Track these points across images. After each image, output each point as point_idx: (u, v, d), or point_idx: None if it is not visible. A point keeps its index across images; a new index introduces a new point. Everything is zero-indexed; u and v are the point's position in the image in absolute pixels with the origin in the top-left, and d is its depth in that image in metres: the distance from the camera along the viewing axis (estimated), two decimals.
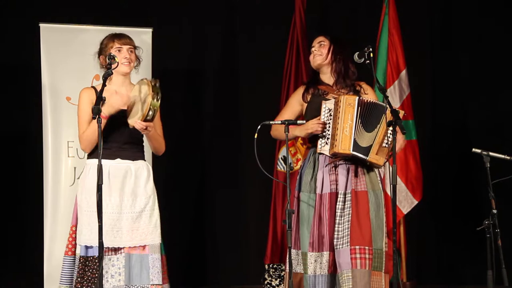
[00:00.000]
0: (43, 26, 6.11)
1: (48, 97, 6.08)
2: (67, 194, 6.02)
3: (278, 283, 6.50)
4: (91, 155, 4.44)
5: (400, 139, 4.54)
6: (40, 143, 6.11)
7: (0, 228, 6.63)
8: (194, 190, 7.13)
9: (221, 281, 7.08)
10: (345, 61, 4.73)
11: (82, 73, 5.96)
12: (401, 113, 4.51)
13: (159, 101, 4.27)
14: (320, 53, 4.77)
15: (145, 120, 4.27)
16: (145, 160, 4.53)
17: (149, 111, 4.25)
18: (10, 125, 6.73)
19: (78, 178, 6.00)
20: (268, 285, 6.53)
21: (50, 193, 6.03)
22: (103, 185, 4.27)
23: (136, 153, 4.47)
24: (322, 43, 4.78)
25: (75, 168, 6.07)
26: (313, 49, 4.82)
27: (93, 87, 4.51)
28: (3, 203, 6.64)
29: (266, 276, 6.55)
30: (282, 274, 6.47)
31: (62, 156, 6.09)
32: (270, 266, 6.56)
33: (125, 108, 4.38)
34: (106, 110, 4.30)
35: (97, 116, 4.05)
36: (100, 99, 4.13)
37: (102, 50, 4.50)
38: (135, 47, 4.51)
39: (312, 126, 4.58)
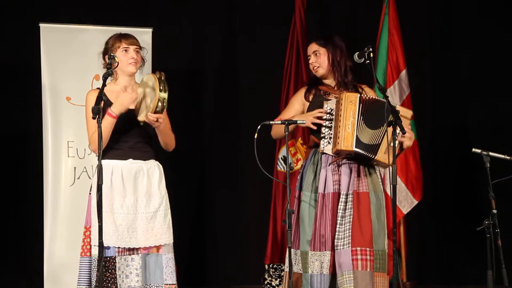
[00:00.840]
0: (43, 26, 6.11)
1: (48, 97, 6.08)
2: (67, 194, 6.02)
3: (278, 283, 6.50)
4: (103, 156, 4.41)
5: (409, 138, 4.54)
6: (40, 143, 6.11)
7: (0, 228, 6.63)
8: (194, 190, 7.13)
9: (221, 281, 7.08)
10: (344, 62, 4.70)
11: (82, 73, 5.96)
12: (410, 113, 4.53)
13: (167, 93, 4.25)
14: (318, 65, 4.71)
15: (155, 112, 4.26)
16: (155, 160, 4.52)
17: (158, 102, 4.23)
18: (10, 125, 6.73)
19: (78, 178, 6.06)
20: (268, 285, 6.53)
21: (50, 193, 6.03)
22: (117, 186, 4.31)
23: (147, 153, 4.45)
24: (317, 53, 4.72)
25: (75, 168, 6.07)
26: (310, 60, 4.75)
27: (98, 88, 4.48)
28: (3, 203, 6.64)
29: (266, 276, 6.55)
30: (282, 274, 6.47)
31: (62, 156, 6.09)
32: (270, 266, 6.56)
33: (134, 107, 4.36)
34: (116, 109, 4.28)
35: (97, 116, 4.04)
36: (100, 99, 4.11)
37: (108, 50, 4.47)
38: (140, 48, 4.51)
39: (312, 117, 4.56)
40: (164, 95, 4.24)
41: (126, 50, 4.42)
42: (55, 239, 5.97)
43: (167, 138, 4.51)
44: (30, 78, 6.49)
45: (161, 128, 4.40)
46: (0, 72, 6.71)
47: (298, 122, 4.58)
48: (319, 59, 4.70)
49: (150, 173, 4.42)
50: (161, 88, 4.23)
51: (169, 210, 4.47)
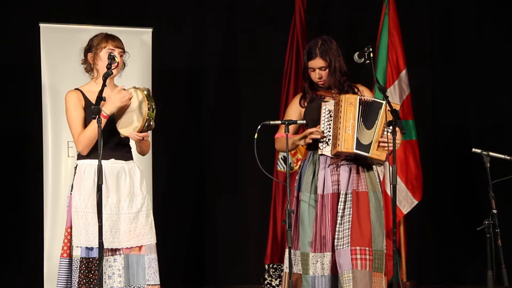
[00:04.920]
0: (43, 26, 6.11)
1: (48, 97, 6.08)
2: (67, 194, 6.00)
3: (278, 283, 6.50)
4: (83, 156, 4.41)
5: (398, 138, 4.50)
6: (40, 143, 6.11)
7: (0, 228, 6.63)
8: (194, 190, 7.13)
9: (221, 281, 7.08)
10: (340, 66, 4.67)
11: (82, 73, 5.94)
12: (397, 107, 4.47)
13: (155, 111, 4.24)
14: (325, 79, 4.65)
15: (141, 131, 4.25)
16: (134, 161, 4.50)
17: (145, 122, 4.23)
18: (10, 125, 6.73)
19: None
20: (268, 285, 6.53)
21: (50, 193, 6.03)
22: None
23: (127, 154, 4.44)
24: (323, 68, 4.63)
25: (75, 168, 6.06)
26: (316, 75, 4.63)
27: (77, 89, 4.47)
28: (3, 203, 6.64)
29: (266, 276, 6.56)
30: (282, 274, 6.47)
31: (62, 156, 6.08)
32: (270, 266, 6.56)
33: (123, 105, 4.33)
34: (108, 109, 4.26)
35: (97, 116, 4.03)
36: (100, 99, 4.10)
37: (92, 48, 4.44)
38: (124, 52, 4.48)
39: (311, 134, 4.55)
40: (153, 114, 4.22)
41: (111, 52, 4.39)
42: (55, 239, 5.96)
43: (145, 147, 4.50)
44: (30, 78, 6.49)
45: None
46: (0, 72, 6.71)
47: (298, 122, 4.59)
48: (325, 73, 4.65)
49: (132, 173, 4.41)
50: (150, 106, 4.21)
51: (151, 211, 4.45)
